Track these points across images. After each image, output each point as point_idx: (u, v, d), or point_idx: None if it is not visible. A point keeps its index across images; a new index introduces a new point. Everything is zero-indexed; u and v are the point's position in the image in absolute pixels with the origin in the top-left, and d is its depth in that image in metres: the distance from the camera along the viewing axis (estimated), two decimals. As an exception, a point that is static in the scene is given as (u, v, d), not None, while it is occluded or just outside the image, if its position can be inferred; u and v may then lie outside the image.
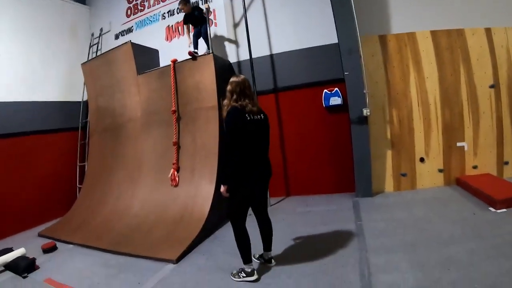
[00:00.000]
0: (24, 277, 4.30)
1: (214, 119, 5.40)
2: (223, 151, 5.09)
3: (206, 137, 5.43)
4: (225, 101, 3.35)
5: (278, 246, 3.92)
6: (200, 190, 5.19)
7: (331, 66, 5.82)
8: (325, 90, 5.91)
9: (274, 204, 5.94)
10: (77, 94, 8.13)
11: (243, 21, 6.29)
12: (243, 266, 3.39)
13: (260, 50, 6.32)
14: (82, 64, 7.62)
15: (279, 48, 6.33)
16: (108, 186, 6.46)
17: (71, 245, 5.35)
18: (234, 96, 3.25)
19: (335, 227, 4.40)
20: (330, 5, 5.63)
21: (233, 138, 3.14)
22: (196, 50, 5.90)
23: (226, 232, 4.68)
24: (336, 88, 5.83)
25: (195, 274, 3.73)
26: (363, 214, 4.77)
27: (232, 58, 6.65)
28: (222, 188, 3.24)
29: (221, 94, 5.23)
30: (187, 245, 4.35)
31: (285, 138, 6.34)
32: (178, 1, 6.14)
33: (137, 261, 4.35)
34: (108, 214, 5.96)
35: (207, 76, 5.54)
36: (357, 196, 5.54)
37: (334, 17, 5.60)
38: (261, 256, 3.70)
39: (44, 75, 7.53)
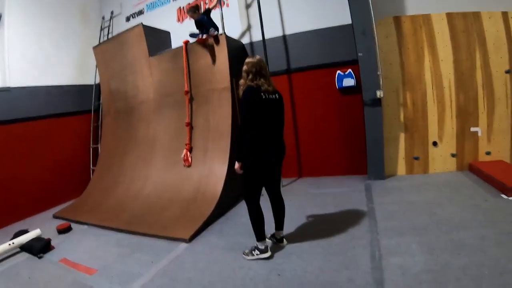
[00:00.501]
0: (40, 258, 4.39)
1: (227, 100, 5.40)
2: (235, 131, 5.12)
3: (219, 117, 5.44)
4: (241, 81, 3.39)
5: (290, 227, 3.96)
6: (213, 170, 5.22)
7: (345, 47, 5.76)
8: (338, 71, 5.84)
9: (286, 185, 5.96)
10: (90, 77, 8.17)
11: (255, 2, 6.24)
12: (256, 243, 3.43)
13: (273, 31, 6.27)
14: (93, 47, 7.62)
15: (292, 29, 6.27)
16: (122, 168, 6.53)
17: (85, 226, 5.46)
18: (250, 76, 3.28)
19: (346, 209, 4.42)
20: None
21: (248, 116, 3.19)
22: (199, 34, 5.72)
23: (239, 212, 4.75)
24: (350, 70, 5.76)
25: (207, 253, 3.78)
26: (375, 196, 4.76)
27: (244, 39, 6.62)
28: (237, 165, 3.29)
29: (234, 75, 5.26)
30: (200, 225, 4.40)
31: (298, 119, 6.33)
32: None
33: (150, 240, 4.42)
34: (122, 195, 6.05)
35: (220, 57, 5.50)
36: (369, 179, 5.53)
37: (347, -4, 5.50)
38: (273, 236, 3.74)
39: (56, 58, 7.58)
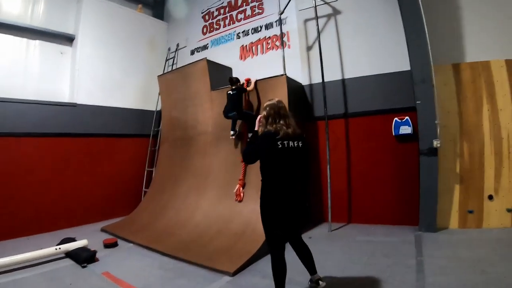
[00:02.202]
0: (83, 267, 4.68)
1: (284, 139, 5.50)
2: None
3: (275, 156, 5.52)
4: (260, 128, 3.35)
5: (335, 272, 3.97)
6: (265, 208, 5.26)
7: (403, 94, 5.76)
8: (395, 118, 5.81)
9: (335, 229, 5.90)
10: (151, 103, 8.71)
11: (316, 45, 6.42)
12: None
13: (332, 74, 6.38)
14: (158, 76, 8.12)
15: (351, 73, 6.36)
16: (174, 194, 6.74)
17: (131, 244, 5.72)
18: (269, 120, 3.24)
19: (394, 260, 4.27)
20: (404, 32, 5.60)
21: (251, 152, 3.24)
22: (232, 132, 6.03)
23: (286, 253, 4.69)
24: (407, 117, 5.71)
25: (249, 290, 3.74)
26: (424, 249, 4.58)
27: (304, 81, 6.73)
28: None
29: (292, 115, 5.40)
30: (245, 260, 4.42)
31: (352, 164, 6.30)
32: (249, 28, 6.09)
33: (194, 268, 4.51)
34: (171, 220, 6.23)
35: (280, 96, 5.44)
36: (420, 230, 5.32)
37: (407, 44, 5.55)
38: (310, 281, 3.62)
39: (122, 83, 8.24)
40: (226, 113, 5.85)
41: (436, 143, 5.13)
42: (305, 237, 5.41)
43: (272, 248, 3.29)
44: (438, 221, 5.31)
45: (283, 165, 3.17)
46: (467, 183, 5.46)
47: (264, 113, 3.31)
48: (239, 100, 5.73)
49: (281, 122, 3.21)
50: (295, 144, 3.22)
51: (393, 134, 5.84)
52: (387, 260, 4.30)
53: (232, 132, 5.95)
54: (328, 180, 5.97)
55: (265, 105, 3.37)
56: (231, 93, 5.79)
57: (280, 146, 3.12)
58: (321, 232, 5.85)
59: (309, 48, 6.79)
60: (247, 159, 3.30)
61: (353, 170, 6.29)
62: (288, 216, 3.31)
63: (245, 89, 5.94)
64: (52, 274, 4.47)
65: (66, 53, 7.53)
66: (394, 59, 5.91)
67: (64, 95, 7.36)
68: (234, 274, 4.20)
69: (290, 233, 3.45)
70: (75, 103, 7.29)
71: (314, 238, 5.53)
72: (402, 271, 3.90)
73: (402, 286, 3.54)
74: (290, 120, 3.29)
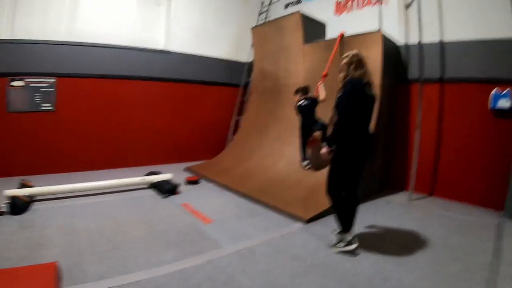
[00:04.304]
0: (165, 197, 5.27)
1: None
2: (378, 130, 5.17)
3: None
4: (341, 74, 3.37)
5: (408, 238, 4.01)
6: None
7: (506, 64, 5.16)
8: (494, 90, 5.24)
9: (416, 199, 5.74)
10: (242, 55, 8.99)
11: (415, 2, 6.00)
12: (342, 235, 3.52)
13: (430, 36, 5.89)
14: (252, 28, 8.27)
15: (451, 35, 5.77)
16: (260, 141, 7.07)
17: (212, 184, 6.23)
18: (352, 66, 3.27)
19: (470, 240, 4.05)
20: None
21: (348, 108, 3.18)
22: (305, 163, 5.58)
23: (363, 210, 4.48)
24: (508, 89, 5.12)
25: (320, 239, 3.90)
26: (505, 236, 4.22)
27: (399, 40, 6.34)
28: (325, 149, 3.34)
29: (385, 74, 5.32)
30: (321, 211, 4.55)
31: (442, 133, 5.88)
32: None
33: (269, 212, 4.83)
34: (253, 166, 6.57)
35: (374, 54, 5.40)
36: (504, 216, 4.87)
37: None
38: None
39: (216, 33, 8.66)
40: (308, 125, 5.33)
41: (536, 123, 4.63)
42: (383, 201, 5.60)
43: (340, 188, 3.47)
44: (525, 211, 4.85)
45: (363, 111, 3.27)
46: None
47: (346, 60, 3.35)
48: (314, 112, 5.34)
49: (363, 70, 3.26)
50: (371, 94, 3.30)
51: (490, 107, 5.28)
52: (463, 238, 4.09)
53: (305, 163, 5.57)
54: (415, 148, 5.77)
55: (345, 54, 3.41)
56: (303, 103, 5.39)
57: (364, 92, 3.22)
58: (400, 199, 5.74)
59: (407, 6, 6.28)
60: (345, 120, 3.24)
61: (443, 140, 5.87)
62: (361, 162, 3.45)
63: (317, 100, 5.35)
64: (135, 200, 5.13)
65: (162, 4, 7.96)
66: (502, 24, 5.20)
67: (159, 43, 7.87)
68: (309, 221, 4.40)
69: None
70: (169, 51, 7.85)
71: (392, 204, 5.49)
72: (475, 253, 3.68)
73: (473, 268, 3.34)
74: (369, 72, 3.34)
